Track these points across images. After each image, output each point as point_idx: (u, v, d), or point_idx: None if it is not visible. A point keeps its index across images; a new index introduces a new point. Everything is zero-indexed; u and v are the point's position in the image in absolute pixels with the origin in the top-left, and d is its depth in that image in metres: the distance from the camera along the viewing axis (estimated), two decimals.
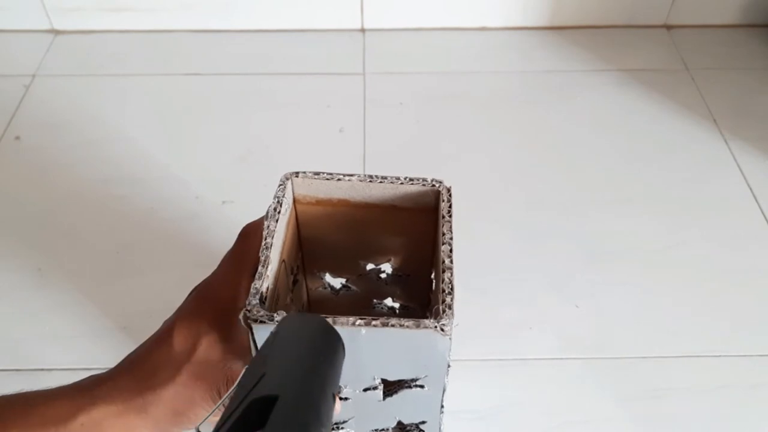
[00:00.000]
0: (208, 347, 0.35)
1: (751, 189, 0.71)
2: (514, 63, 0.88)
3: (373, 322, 0.32)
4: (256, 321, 0.32)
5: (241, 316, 0.32)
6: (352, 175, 0.39)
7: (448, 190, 0.38)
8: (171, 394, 0.35)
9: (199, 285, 0.39)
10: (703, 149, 0.76)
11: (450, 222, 0.37)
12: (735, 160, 0.74)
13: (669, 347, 0.58)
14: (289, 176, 0.39)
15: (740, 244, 0.66)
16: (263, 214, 0.38)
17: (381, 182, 0.39)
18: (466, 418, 0.53)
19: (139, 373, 0.35)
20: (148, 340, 0.37)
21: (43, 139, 0.76)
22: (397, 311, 0.49)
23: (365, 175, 0.39)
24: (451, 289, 0.33)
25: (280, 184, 0.39)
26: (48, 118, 0.79)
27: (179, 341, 0.35)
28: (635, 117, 0.80)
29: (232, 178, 0.72)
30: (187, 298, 0.39)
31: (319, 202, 0.40)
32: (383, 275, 0.46)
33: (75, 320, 0.59)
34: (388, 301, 0.49)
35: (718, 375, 0.56)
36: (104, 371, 0.37)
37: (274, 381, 0.25)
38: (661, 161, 0.74)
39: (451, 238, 0.36)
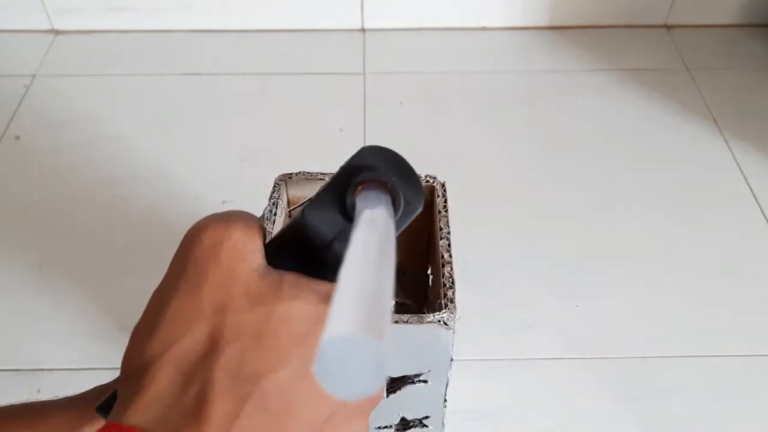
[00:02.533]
0: None
1: (751, 189, 0.71)
2: (514, 63, 0.87)
3: None
4: None
5: None
6: None
7: (443, 185, 0.38)
8: None
9: None
10: (703, 149, 0.76)
11: (447, 217, 0.37)
12: (735, 160, 0.74)
13: (669, 347, 0.58)
14: (283, 178, 0.39)
15: (740, 244, 0.66)
16: (259, 215, 0.38)
17: None
18: (466, 417, 0.53)
19: None
20: None
21: (43, 139, 0.76)
22: (392, 308, 0.49)
23: None
24: (452, 283, 0.33)
25: (275, 186, 0.38)
26: (48, 118, 0.79)
27: None
28: (635, 117, 0.80)
29: (232, 178, 0.72)
30: None
31: None
32: None
33: (75, 320, 0.59)
34: None
35: (718, 375, 0.56)
36: (110, 381, 0.37)
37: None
38: (661, 161, 0.74)
39: (449, 233, 0.36)
